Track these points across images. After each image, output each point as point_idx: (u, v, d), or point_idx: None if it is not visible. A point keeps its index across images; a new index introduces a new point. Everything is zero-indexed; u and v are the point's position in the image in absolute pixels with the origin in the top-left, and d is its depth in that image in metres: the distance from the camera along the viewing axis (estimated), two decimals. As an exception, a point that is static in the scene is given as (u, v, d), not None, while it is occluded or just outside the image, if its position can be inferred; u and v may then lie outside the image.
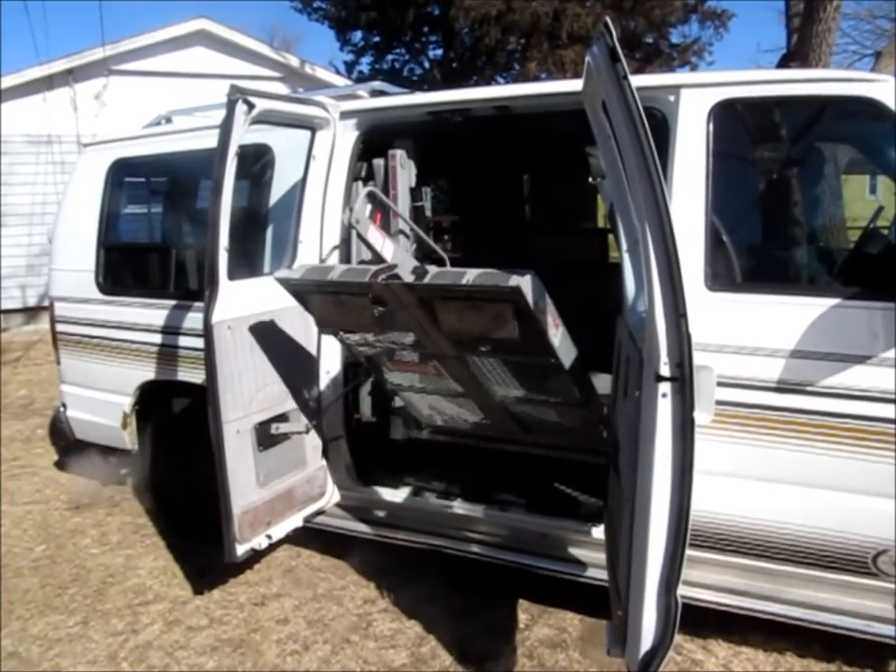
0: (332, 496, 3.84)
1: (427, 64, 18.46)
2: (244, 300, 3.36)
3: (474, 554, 3.50)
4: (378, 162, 3.95)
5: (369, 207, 3.73)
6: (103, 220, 4.63)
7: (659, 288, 2.13)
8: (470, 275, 2.71)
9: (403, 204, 3.90)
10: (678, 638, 2.26)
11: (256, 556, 3.70)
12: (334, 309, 3.18)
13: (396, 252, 3.59)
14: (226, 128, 3.15)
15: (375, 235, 3.46)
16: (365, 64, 18.62)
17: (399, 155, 3.85)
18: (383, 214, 4.00)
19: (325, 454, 3.77)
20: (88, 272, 4.60)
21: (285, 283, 3.18)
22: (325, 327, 3.44)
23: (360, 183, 3.97)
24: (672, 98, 3.02)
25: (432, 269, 2.88)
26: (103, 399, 4.55)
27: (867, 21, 13.43)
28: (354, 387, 3.93)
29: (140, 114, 5.54)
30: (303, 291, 3.20)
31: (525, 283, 2.60)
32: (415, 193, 4.06)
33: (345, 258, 3.84)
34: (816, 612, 2.87)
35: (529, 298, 2.62)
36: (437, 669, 3.10)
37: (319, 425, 3.72)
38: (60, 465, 5.58)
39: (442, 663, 3.14)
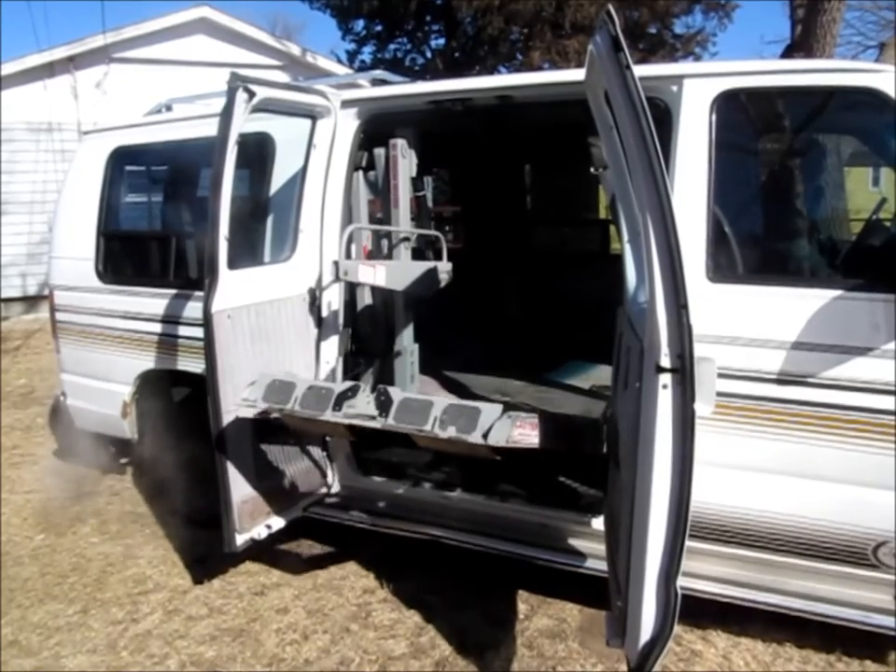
0: (332, 486, 3.84)
1: (429, 54, 18.38)
2: (244, 289, 3.34)
3: (474, 545, 3.49)
4: (379, 152, 3.93)
5: (354, 247, 3.73)
6: (103, 208, 4.62)
7: (660, 279, 2.12)
8: (437, 409, 2.60)
9: (404, 194, 3.89)
10: (677, 629, 2.25)
11: (255, 546, 3.70)
12: (305, 423, 3.16)
13: (389, 274, 3.63)
14: (226, 116, 3.13)
15: (366, 272, 3.52)
16: (367, 54, 18.58)
17: (401, 144, 3.83)
18: (381, 202, 3.98)
19: (324, 444, 3.77)
20: (88, 260, 4.59)
21: (248, 406, 3.11)
22: (300, 432, 3.46)
23: (361, 173, 3.95)
24: (675, 88, 3.00)
25: (397, 396, 2.74)
26: (103, 388, 4.54)
27: (872, 13, 13.36)
28: (353, 378, 3.93)
29: (141, 102, 5.53)
30: None
31: (494, 434, 2.49)
32: (417, 183, 4.04)
33: (345, 249, 3.84)
34: (815, 603, 2.87)
35: (502, 442, 2.55)
36: (436, 659, 3.11)
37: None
38: (59, 454, 5.58)
39: (442, 652, 3.14)
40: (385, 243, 4.03)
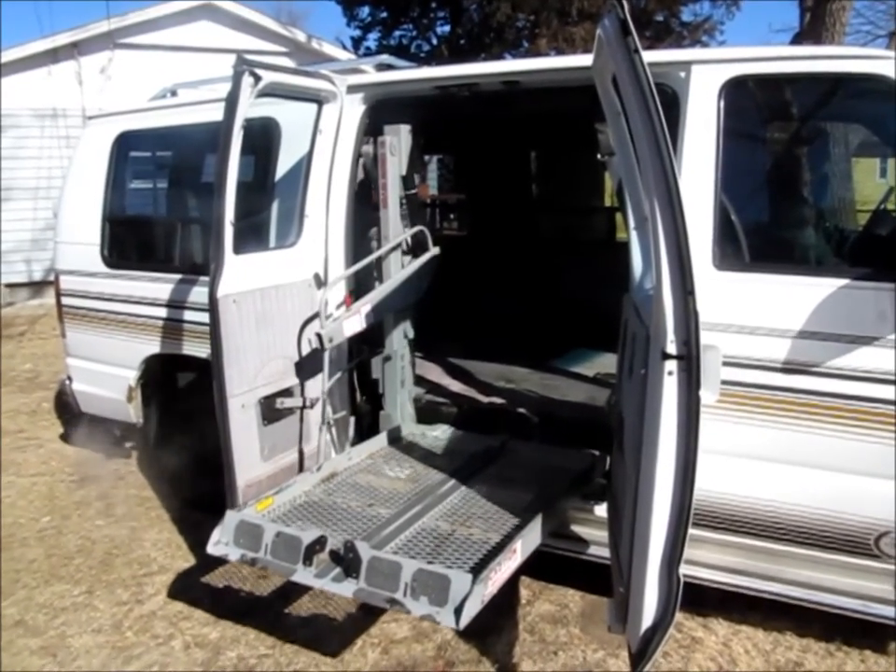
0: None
1: (434, 41, 18.29)
2: (249, 274, 3.34)
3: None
4: (367, 149, 3.84)
5: (340, 316, 3.68)
6: (107, 193, 4.62)
7: (667, 266, 2.11)
8: (407, 574, 2.54)
9: (393, 193, 3.75)
10: (678, 616, 2.26)
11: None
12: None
13: (375, 307, 3.62)
14: (232, 100, 3.12)
15: (351, 325, 3.52)
16: (372, 40, 18.49)
17: (389, 142, 3.69)
18: (374, 195, 3.92)
19: (329, 429, 3.78)
20: (93, 245, 4.59)
21: (222, 549, 3.00)
22: None
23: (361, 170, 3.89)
24: (683, 74, 2.98)
25: (365, 553, 2.65)
26: (108, 372, 4.56)
27: (881, 2, 13.19)
28: (358, 363, 3.93)
29: (145, 88, 5.51)
30: None
31: (467, 609, 2.42)
32: (408, 181, 3.88)
33: (350, 228, 3.82)
34: (816, 593, 2.87)
35: (475, 613, 2.48)
36: (438, 643, 3.12)
37: (324, 400, 3.72)
38: (65, 438, 5.61)
39: (444, 636, 3.16)
40: (374, 245, 3.96)
